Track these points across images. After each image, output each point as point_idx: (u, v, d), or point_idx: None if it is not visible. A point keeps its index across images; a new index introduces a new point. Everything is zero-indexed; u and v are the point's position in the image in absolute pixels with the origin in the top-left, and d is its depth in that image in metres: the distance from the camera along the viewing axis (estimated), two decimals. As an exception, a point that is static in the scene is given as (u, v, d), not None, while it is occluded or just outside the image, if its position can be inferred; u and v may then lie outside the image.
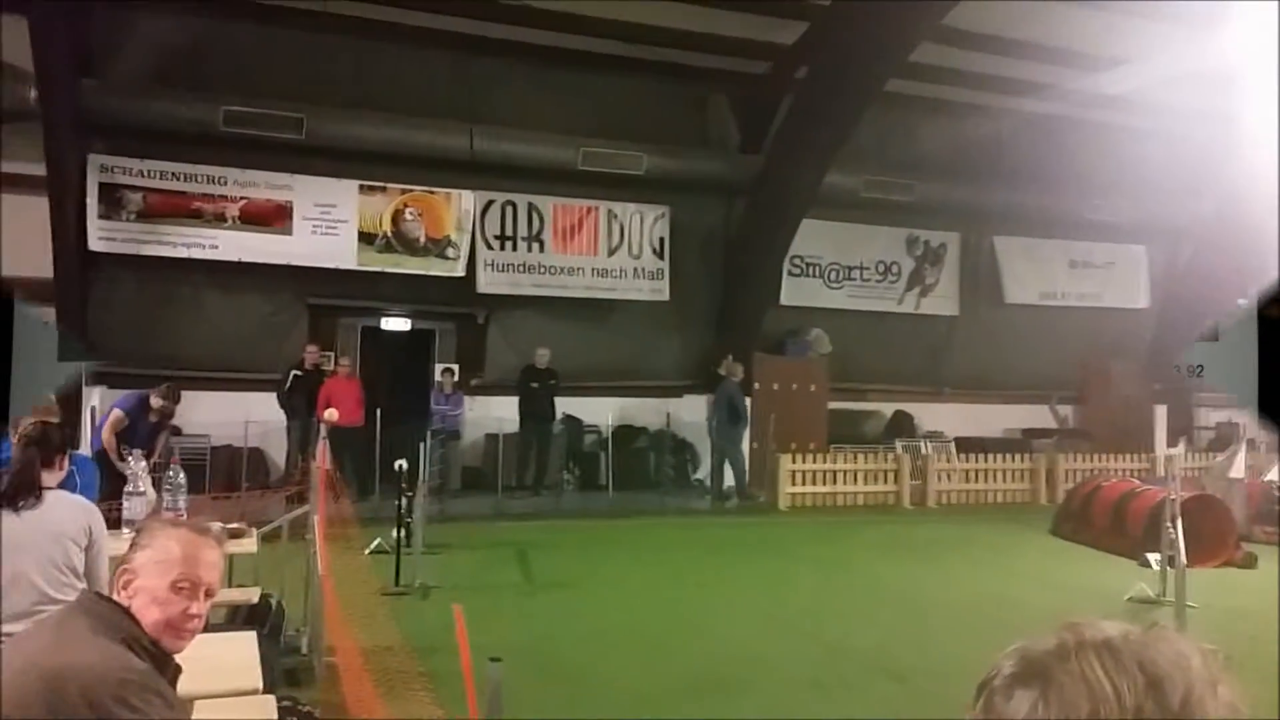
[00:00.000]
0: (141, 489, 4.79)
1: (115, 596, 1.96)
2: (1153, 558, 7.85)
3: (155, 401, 7.72)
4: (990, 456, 13.66)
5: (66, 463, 3.58)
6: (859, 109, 11.85)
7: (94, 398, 11.24)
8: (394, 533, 7.61)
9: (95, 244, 11.29)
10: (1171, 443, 13.40)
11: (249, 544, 4.97)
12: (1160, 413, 16.15)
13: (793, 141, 12.59)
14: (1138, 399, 15.84)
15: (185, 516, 4.50)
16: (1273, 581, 8.13)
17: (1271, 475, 10.90)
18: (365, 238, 12.33)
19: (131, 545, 2.04)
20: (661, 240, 13.79)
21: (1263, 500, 10.52)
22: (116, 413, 7.69)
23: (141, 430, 7.66)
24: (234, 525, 5.19)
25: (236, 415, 11.63)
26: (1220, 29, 10.72)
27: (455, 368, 12.81)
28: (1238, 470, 10.86)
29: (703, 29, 12.14)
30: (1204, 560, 8.44)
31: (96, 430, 8.13)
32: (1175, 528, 6.82)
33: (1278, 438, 15.07)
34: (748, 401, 13.19)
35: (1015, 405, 15.96)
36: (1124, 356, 16.26)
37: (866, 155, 13.92)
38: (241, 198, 11.88)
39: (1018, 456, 13.82)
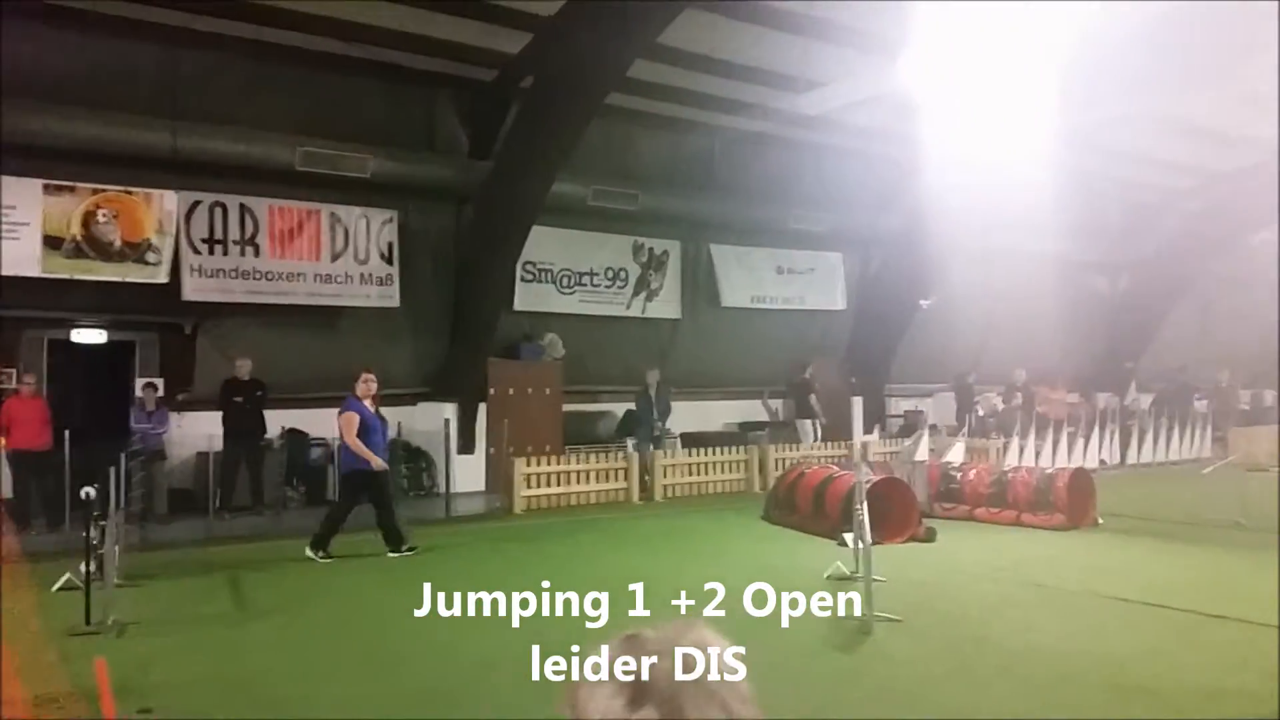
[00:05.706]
0: None
1: None
2: (848, 537, 8.57)
3: None
4: (711, 450, 14.42)
5: None
6: (583, 120, 12.18)
7: None
8: (82, 566, 6.93)
9: None
10: (866, 430, 14.69)
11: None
12: (857, 403, 17.74)
13: (520, 149, 12.72)
14: (838, 391, 17.33)
15: None
16: (950, 554, 9.13)
17: (950, 457, 12.23)
18: (51, 242, 11.17)
19: None
20: (390, 245, 13.48)
21: (942, 480, 11.69)
22: None
23: None
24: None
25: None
26: (898, 56, 11.75)
27: (159, 382, 11.85)
28: (921, 453, 12.03)
29: (422, 31, 12.00)
30: (891, 537, 9.29)
31: None
32: (862, 508, 7.48)
33: (956, 423, 17.08)
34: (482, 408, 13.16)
35: (733, 401, 17.01)
36: (826, 353, 17.76)
37: (593, 165, 14.35)
38: (-107, 196, 10.41)
39: (735, 449, 14.69)
